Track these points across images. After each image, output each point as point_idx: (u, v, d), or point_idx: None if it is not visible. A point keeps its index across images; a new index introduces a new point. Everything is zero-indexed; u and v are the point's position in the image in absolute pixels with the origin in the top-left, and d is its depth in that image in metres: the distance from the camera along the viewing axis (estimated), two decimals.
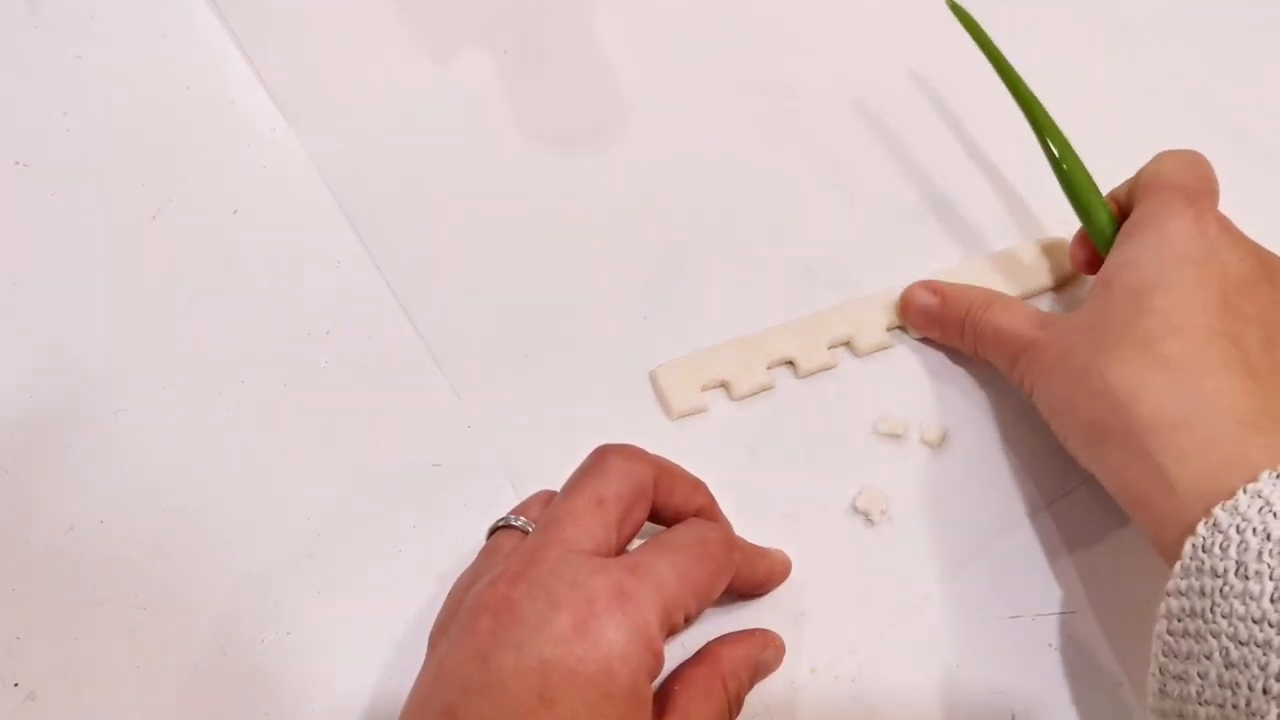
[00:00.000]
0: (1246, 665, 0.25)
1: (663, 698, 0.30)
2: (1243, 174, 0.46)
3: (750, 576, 0.34)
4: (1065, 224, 0.44)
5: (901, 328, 0.41)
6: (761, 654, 0.32)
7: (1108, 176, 0.46)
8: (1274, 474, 0.27)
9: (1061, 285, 0.42)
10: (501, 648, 0.26)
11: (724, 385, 0.39)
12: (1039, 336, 0.35)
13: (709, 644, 0.32)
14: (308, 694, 0.33)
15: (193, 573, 0.35)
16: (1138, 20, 0.51)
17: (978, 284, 0.41)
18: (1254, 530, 0.26)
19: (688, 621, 0.29)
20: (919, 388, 0.39)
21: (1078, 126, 0.48)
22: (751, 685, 0.32)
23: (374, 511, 0.37)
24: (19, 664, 0.34)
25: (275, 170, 0.45)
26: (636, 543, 0.32)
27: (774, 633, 0.33)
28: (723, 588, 0.31)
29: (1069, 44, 0.50)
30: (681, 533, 0.30)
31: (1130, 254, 0.34)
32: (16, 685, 0.33)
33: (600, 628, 0.26)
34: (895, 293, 0.41)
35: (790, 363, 0.40)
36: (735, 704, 0.31)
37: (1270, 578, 0.25)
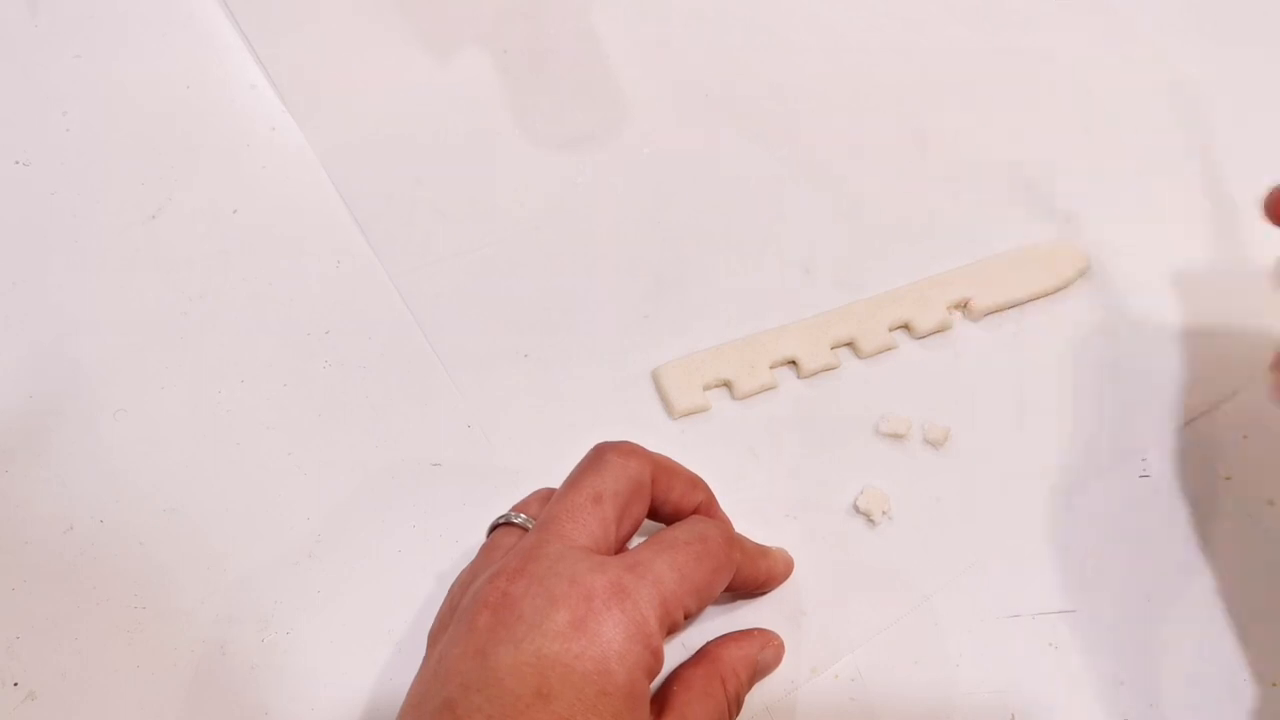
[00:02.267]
0: None
1: (662, 698, 0.30)
2: (1243, 175, 0.46)
3: (751, 575, 0.34)
4: (1066, 225, 0.44)
5: (904, 328, 0.41)
6: (761, 654, 0.32)
7: (1106, 176, 0.46)
8: None
9: (1064, 287, 0.42)
10: (500, 644, 0.26)
11: (726, 385, 0.39)
12: None
13: (708, 644, 0.32)
14: (308, 694, 0.33)
15: (193, 573, 0.35)
16: (1139, 19, 0.51)
17: (979, 285, 0.41)
18: None
19: (688, 619, 0.29)
20: (921, 388, 0.39)
21: (1078, 125, 0.48)
22: (751, 685, 0.32)
23: (374, 511, 0.37)
24: (19, 664, 0.34)
25: (275, 170, 0.45)
26: (636, 540, 0.32)
27: (773, 633, 0.33)
28: (723, 586, 0.31)
29: (1070, 43, 0.50)
30: (681, 530, 0.30)
31: None
32: (16, 685, 0.33)
33: (598, 625, 0.27)
34: (898, 293, 0.41)
35: (793, 363, 0.40)
36: (735, 704, 0.31)
37: None
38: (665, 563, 0.29)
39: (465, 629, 0.27)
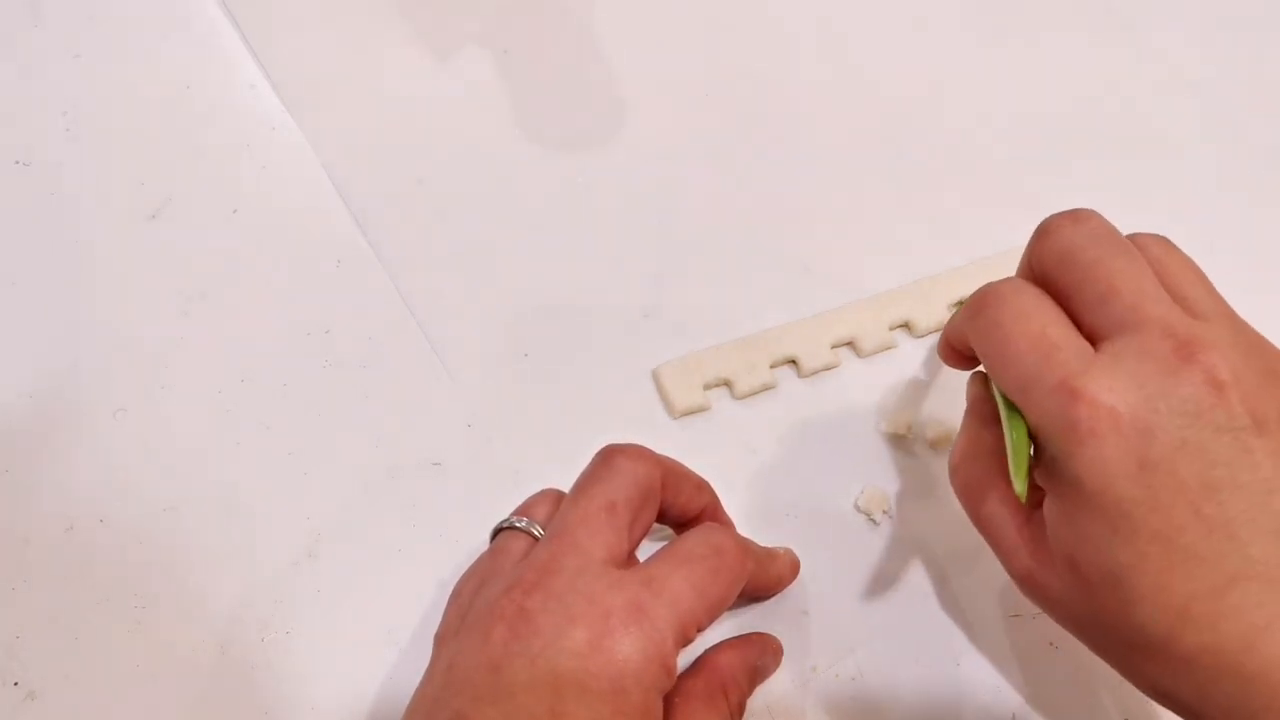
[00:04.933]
0: None
1: (664, 710, 0.29)
2: (1243, 174, 0.46)
3: (762, 582, 0.33)
4: None
5: (905, 327, 0.41)
6: (760, 659, 0.32)
7: (1106, 175, 0.46)
8: None
9: None
10: (515, 659, 0.26)
11: (727, 384, 0.39)
12: (1033, 572, 0.28)
13: (707, 652, 0.32)
14: (308, 694, 0.33)
15: (192, 572, 0.35)
16: (1141, 19, 0.51)
17: (980, 284, 0.41)
18: None
19: (700, 631, 0.29)
20: (922, 388, 0.39)
21: (1079, 125, 0.48)
22: (751, 691, 0.32)
23: (374, 511, 0.37)
24: (19, 663, 0.34)
25: (275, 170, 0.45)
26: (644, 544, 0.31)
27: (771, 636, 0.33)
28: (735, 596, 0.31)
29: (1071, 42, 0.50)
30: (697, 542, 0.30)
31: (1081, 529, 0.26)
32: (16, 684, 0.33)
33: (615, 644, 0.26)
34: (898, 293, 0.41)
35: (793, 362, 0.40)
36: (737, 712, 0.31)
37: None
38: (682, 579, 0.28)
39: (479, 640, 0.27)
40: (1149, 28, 0.50)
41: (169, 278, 0.42)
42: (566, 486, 0.31)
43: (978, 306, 0.28)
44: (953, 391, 0.39)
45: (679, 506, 0.32)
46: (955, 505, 0.37)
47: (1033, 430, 0.27)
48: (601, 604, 0.27)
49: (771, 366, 0.39)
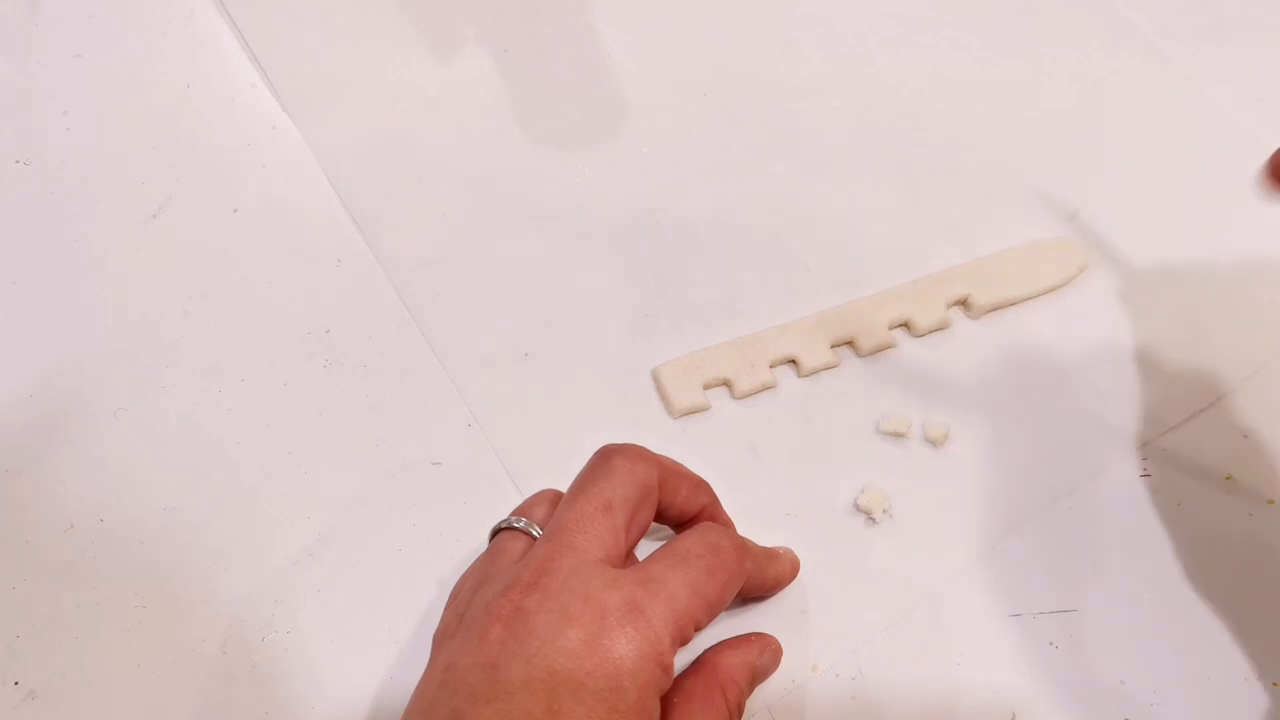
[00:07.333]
0: None
1: (663, 709, 0.29)
2: (1242, 174, 0.46)
3: (760, 582, 0.33)
4: (1067, 224, 0.44)
5: (905, 327, 0.41)
6: (759, 659, 0.32)
7: (1106, 175, 0.46)
8: None
9: (1063, 285, 0.42)
10: (511, 658, 0.26)
11: (726, 383, 0.39)
12: None
13: (706, 652, 0.32)
14: (308, 694, 0.33)
15: (192, 572, 0.35)
16: (1139, 18, 0.51)
17: (979, 284, 0.41)
18: None
19: (698, 631, 0.29)
20: (922, 387, 0.39)
21: (1079, 126, 0.48)
22: (750, 691, 0.32)
23: (374, 511, 0.37)
24: (19, 663, 0.34)
25: (275, 169, 0.45)
26: (643, 543, 0.31)
27: (771, 636, 0.33)
28: (733, 596, 0.31)
29: (1070, 42, 0.50)
30: (694, 542, 0.30)
31: None
32: (16, 684, 0.33)
33: (611, 643, 0.26)
34: (898, 293, 0.41)
35: (793, 361, 0.40)
36: (736, 712, 0.30)
37: None
38: (679, 578, 0.28)
39: (476, 639, 0.27)
40: (1149, 28, 0.50)
41: (169, 278, 0.42)
42: (565, 486, 0.31)
43: None
44: (953, 391, 0.39)
45: (677, 506, 0.32)
46: (955, 504, 0.37)
47: None
48: (598, 603, 0.27)
49: (771, 366, 0.39)
